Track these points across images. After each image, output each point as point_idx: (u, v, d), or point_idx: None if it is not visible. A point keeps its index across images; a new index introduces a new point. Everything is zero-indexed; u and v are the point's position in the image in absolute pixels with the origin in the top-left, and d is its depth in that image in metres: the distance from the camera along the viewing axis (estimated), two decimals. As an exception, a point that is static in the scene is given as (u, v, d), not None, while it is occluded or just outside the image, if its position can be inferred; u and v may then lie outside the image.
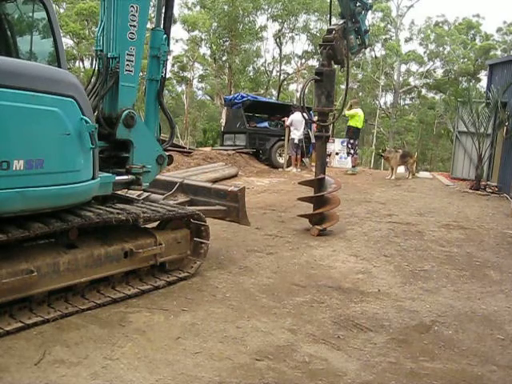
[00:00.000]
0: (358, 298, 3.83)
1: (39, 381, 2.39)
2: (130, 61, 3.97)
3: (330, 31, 5.98)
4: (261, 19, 31.97)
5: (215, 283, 3.95)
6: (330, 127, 14.02)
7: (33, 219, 3.02)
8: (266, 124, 14.68)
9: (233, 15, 25.26)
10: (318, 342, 3.04)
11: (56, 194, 3.09)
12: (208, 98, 37.82)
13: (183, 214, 4.04)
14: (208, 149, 15.31)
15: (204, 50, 31.34)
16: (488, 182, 11.09)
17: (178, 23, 29.53)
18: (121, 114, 3.84)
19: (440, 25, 34.28)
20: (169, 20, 4.34)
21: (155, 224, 4.14)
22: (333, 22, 6.36)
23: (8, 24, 3.81)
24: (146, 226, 3.95)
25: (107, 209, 3.55)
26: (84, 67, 29.28)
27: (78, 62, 29.08)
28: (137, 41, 3.98)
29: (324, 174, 6.15)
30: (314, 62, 32.98)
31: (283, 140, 13.89)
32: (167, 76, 4.44)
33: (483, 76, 31.07)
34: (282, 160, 13.76)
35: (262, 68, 32.32)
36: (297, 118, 11.88)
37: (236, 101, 14.68)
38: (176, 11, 34.71)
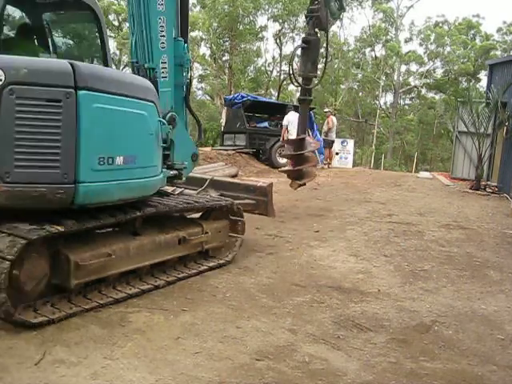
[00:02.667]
0: (358, 298, 3.83)
1: (39, 381, 2.39)
2: (164, 68, 4.37)
3: (313, 2, 6.51)
4: (261, 19, 32.06)
5: (215, 283, 3.95)
6: (334, 132, 14.16)
7: (101, 211, 3.42)
8: (265, 124, 14.68)
9: (233, 15, 25.27)
10: (318, 341, 3.04)
11: (142, 186, 3.64)
12: (208, 98, 37.81)
13: (229, 205, 4.71)
14: (208, 149, 15.31)
15: (204, 49, 31.35)
16: (488, 182, 11.09)
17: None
18: (164, 116, 4.12)
19: (440, 25, 34.27)
20: (186, 30, 4.69)
21: (197, 215, 4.68)
22: None
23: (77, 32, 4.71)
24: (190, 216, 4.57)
25: (172, 200, 4.25)
26: (84, 67, 29.27)
27: (78, 62, 29.08)
28: (167, 49, 4.38)
29: (305, 134, 6.88)
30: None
31: (283, 140, 13.80)
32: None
33: (483, 76, 31.07)
34: (281, 160, 13.76)
35: (262, 68, 32.34)
36: (292, 118, 11.64)
37: (236, 101, 14.69)
38: (176, 11, 34.71)
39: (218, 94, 30.64)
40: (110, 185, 3.33)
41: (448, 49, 32.78)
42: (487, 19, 55.40)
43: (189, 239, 4.10)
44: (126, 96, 3.43)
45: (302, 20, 28.23)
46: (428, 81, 33.93)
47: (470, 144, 11.57)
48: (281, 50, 30.73)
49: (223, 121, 15.44)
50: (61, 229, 3.07)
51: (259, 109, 15.11)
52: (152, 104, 3.72)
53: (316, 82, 7.49)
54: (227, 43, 27.60)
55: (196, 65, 32.85)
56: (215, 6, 25.32)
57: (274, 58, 32.14)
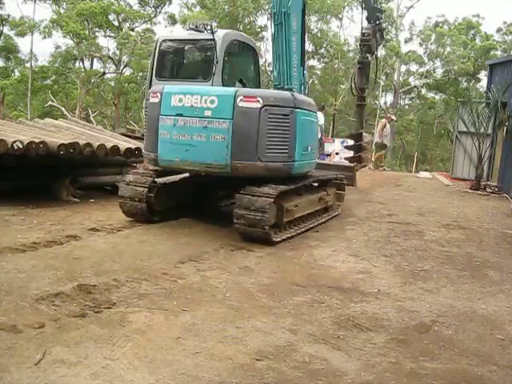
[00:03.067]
0: (358, 298, 3.83)
1: (39, 381, 2.39)
2: (295, 88, 6.32)
3: (364, 34, 9.60)
4: (261, 19, 32.10)
5: (215, 283, 3.95)
6: (387, 135, 15.32)
7: (296, 179, 5.94)
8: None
9: (233, 15, 25.26)
10: (318, 341, 3.04)
11: (312, 164, 6.40)
12: (208, 98, 37.74)
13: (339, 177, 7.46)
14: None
15: (204, 50, 31.26)
16: (488, 182, 11.09)
17: (178, 23, 29.51)
18: None
19: (440, 25, 34.24)
20: (304, 61, 6.82)
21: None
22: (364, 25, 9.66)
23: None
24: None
25: (315, 174, 6.74)
26: (84, 67, 29.27)
27: (78, 62, 29.07)
28: (297, 75, 6.55)
29: (362, 129, 10.44)
30: (313, 62, 33.03)
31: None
32: None
33: (483, 76, 31.07)
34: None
35: (262, 68, 32.30)
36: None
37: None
38: (176, 11, 34.71)
39: (218, 94, 30.57)
40: (305, 163, 5.94)
41: (448, 49, 32.75)
42: (487, 19, 55.26)
43: (323, 198, 6.53)
44: (309, 111, 6.01)
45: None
46: (428, 81, 33.90)
47: (470, 144, 11.57)
48: (281, 50, 30.66)
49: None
50: (285, 188, 5.43)
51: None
52: (315, 114, 6.38)
53: (367, 91, 10.61)
54: (227, 43, 27.56)
55: (196, 65, 32.82)
56: (215, 6, 25.31)
57: (274, 58, 32.09)
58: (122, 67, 29.51)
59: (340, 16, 31.05)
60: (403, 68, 34.98)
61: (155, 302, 3.48)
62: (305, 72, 6.53)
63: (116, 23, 28.58)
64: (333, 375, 2.65)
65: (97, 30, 27.99)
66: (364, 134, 10.38)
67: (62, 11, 27.24)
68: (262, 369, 2.66)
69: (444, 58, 32.81)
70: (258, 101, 5.31)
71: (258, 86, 6.84)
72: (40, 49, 58.76)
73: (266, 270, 4.38)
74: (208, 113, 5.37)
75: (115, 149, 7.31)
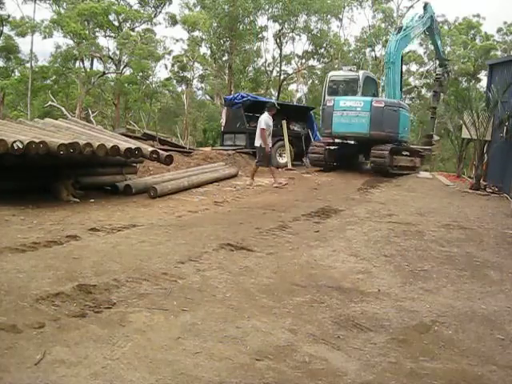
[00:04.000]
0: (358, 298, 3.82)
1: (39, 381, 2.39)
2: (400, 97, 14.10)
3: (437, 74, 17.64)
4: (261, 19, 32.04)
5: (215, 283, 3.95)
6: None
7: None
8: (266, 124, 14.75)
9: (233, 15, 25.25)
10: (318, 341, 3.04)
11: (407, 137, 14.39)
12: (208, 98, 37.80)
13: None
14: (208, 149, 15.31)
15: (204, 50, 31.35)
16: (488, 182, 11.09)
17: (179, 23, 29.52)
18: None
19: (440, 25, 34.21)
20: (402, 88, 15.12)
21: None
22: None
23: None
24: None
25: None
26: (84, 67, 29.28)
27: (78, 62, 29.08)
28: (398, 96, 14.55)
29: (433, 131, 18.13)
30: (313, 62, 33.06)
31: (283, 140, 13.88)
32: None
33: (483, 76, 31.06)
34: (282, 160, 13.76)
35: (262, 68, 32.32)
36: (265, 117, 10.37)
37: (236, 101, 14.68)
38: (176, 11, 34.73)
39: (217, 93, 30.63)
40: (403, 135, 13.39)
41: (448, 49, 32.74)
42: (487, 19, 55.24)
43: (413, 160, 13.61)
44: (405, 109, 13.67)
45: (301, 20, 28.23)
46: (428, 81, 33.89)
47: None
48: (281, 50, 30.72)
49: (223, 121, 15.42)
50: (393, 146, 12.67)
51: (259, 109, 15.09)
52: (408, 111, 14.05)
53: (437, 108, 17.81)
54: (227, 43, 27.57)
55: (196, 65, 32.87)
56: (215, 6, 25.31)
57: (274, 58, 32.13)
58: (122, 67, 29.53)
59: (340, 16, 31.08)
60: (403, 68, 34.97)
61: (155, 302, 3.47)
62: (402, 91, 13.39)
63: (116, 23, 28.60)
64: (333, 375, 2.65)
65: (97, 30, 28.02)
66: (434, 135, 17.32)
67: (62, 11, 27.23)
68: (262, 369, 2.66)
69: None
70: (382, 103, 12.32)
71: (376, 96, 14.63)
72: (40, 49, 58.79)
73: (266, 270, 4.38)
74: (358, 108, 12.18)
75: (115, 149, 7.31)
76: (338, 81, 14.93)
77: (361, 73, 14.51)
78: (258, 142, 10.25)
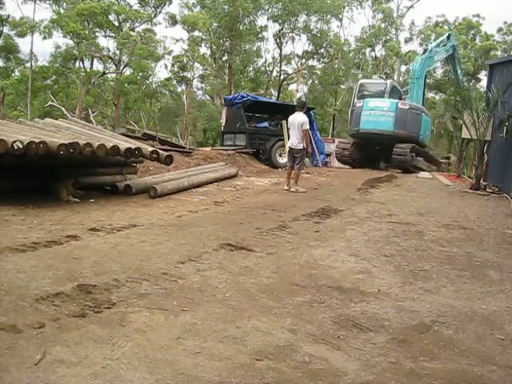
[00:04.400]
0: (358, 298, 3.82)
1: (39, 381, 2.39)
2: (422, 105, 17.06)
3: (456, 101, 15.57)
4: (261, 19, 32.06)
5: (215, 283, 3.95)
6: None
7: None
8: (265, 124, 14.68)
9: (233, 15, 25.26)
10: (318, 341, 3.04)
11: (427, 140, 16.52)
12: (208, 98, 37.78)
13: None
14: (208, 149, 15.32)
15: (204, 49, 31.34)
16: (488, 182, 11.09)
17: (179, 23, 29.51)
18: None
19: (440, 25, 34.27)
20: (424, 99, 18.27)
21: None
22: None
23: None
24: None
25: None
26: (84, 67, 29.26)
27: (78, 62, 29.07)
28: (422, 99, 17.78)
29: (450, 153, 21.46)
30: (313, 62, 33.05)
31: (283, 140, 13.88)
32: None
33: (483, 76, 31.07)
34: (282, 160, 13.76)
35: (262, 68, 32.32)
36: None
37: (236, 101, 14.68)
38: (176, 11, 34.73)
39: (218, 93, 30.62)
40: (425, 137, 16.00)
41: (448, 49, 32.71)
42: (487, 19, 55.27)
43: (430, 161, 16.45)
44: (426, 114, 16.32)
45: (301, 20, 28.23)
46: (428, 81, 33.88)
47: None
48: (281, 50, 30.72)
49: (223, 121, 15.43)
50: (414, 145, 14.96)
51: (259, 109, 15.10)
52: (428, 116, 16.74)
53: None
54: (227, 43, 27.58)
55: (196, 65, 32.86)
56: (215, 6, 25.30)
57: (274, 58, 32.12)
58: (121, 67, 29.52)
59: (340, 16, 31.07)
60: (403, 68, 34.99)
61: (155, 301, 3.47)
62: (424, 104, 15.65)
63: (116, 23, 28.58)
64: (333, 375, 2.65)
65: (97, 30, 28.01)
66: (451, 156, 19.95)
67: (62, 11, 27.22)
68: (262, 369, 2.66)
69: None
70: (407, 105, 14.42)
71: (401, 99, 15.68)
72: (40, 49, 58.78)
73: (266, 270, 4.38)
74: (385, 108, 14.12)
75: (115, 149, 7.31)
76: (367, 87, 16.50)
77: (388, 82, 16.98)
78: (299, 145, 9.46)
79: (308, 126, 9.53)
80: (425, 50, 17.47)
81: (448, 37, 17.31)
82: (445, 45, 16.97)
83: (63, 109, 25.19)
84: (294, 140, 9.57)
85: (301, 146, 9.48)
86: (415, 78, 16.49)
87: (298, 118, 9.51)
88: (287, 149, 13.62)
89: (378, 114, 14.23)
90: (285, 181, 9.96)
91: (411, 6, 33.55)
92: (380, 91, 15.55)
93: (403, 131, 14.27)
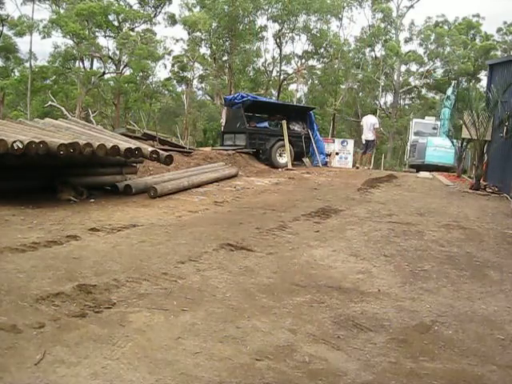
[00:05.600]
0: (358, 298, 3.82)
1: (39, 381, 2.39)
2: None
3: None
4: (261, 19, 31.99)
5: (215, 283, 3.95)
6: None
7: None
8: (265, 124, 14.66)
9: (233, 15, 25.25)
10: (318, 341, 3.04)
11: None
12: (208, 98, 37.78)
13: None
14: (208, 149, 15.30)
15: (204, 50, 31.32)
16: (488, 182, 11.08)
17: (178, 23, 29.50)
18: None
19: (440, 25, 34.25)
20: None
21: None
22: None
23: None
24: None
25: None
26: (84, 67, 29.26)
27: (78, 62, 29.07)
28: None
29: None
30: (313, 62, 33.04)
31: (283, 140, 13.88)
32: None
33: (483, 76, 31.08)
34: (282, 160, 13.75)
35: (262, 68, 32.30)
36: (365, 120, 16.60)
37: (236, 101, 14.66)
38: (176, 11, 34.73)
39: (217, 94, 30.61)
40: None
41: (448, 49, 32.77)
42: (487, 19, 55.18)
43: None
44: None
45: (301, 20, 28.21)
46: (428, 81, 33.93)
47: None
48: (280, 50, 30.71)
49: (223, 121, 15.42)
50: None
51: (259, 109, 15.10)
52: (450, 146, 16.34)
53: None
54: (227, 43, 27.57)
55: (196, 65, 32.86)
56: (215, 6, 25.30)
57: (273, 58, 32.11)
58: (121, 67, 29.53)
59: (340, 16, 31.06)
60: (403, 68, 35.00)
61: (155, 301, 3.48)
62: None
63: (116, 23, 28.58)
64: (333, 375, 2.65)
65: (97, 30, 28.00)
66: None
67: (61, 11, 27.22)
68: (262, 369, 2.66)
69: (444, 58, 32.82)
70: (459, 143, 13.95)
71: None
72: (39, 49, 58.80)
73: (266, 270, 4.38)
74: (447, 146, 16.24)
75: (115, 149, 7.31)
76: (421, 126, 21.11)
77: (438, 123, 19.78)
78: (371, 137, 15.74)
79: (378, 125, 12.61)
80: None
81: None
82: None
83: (63, 109, 25.19)
84: (366, 133, 15.86)
85: (372, 138, 15.86)
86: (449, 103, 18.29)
87: (370, 119, 16.34)
88: (287, 148, 13.71)
89: (441, 150, 17.61)
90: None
91: (411, 6, 33.55)
92: (432, 129, 20.04)
93: (456, 162, 16.51)
